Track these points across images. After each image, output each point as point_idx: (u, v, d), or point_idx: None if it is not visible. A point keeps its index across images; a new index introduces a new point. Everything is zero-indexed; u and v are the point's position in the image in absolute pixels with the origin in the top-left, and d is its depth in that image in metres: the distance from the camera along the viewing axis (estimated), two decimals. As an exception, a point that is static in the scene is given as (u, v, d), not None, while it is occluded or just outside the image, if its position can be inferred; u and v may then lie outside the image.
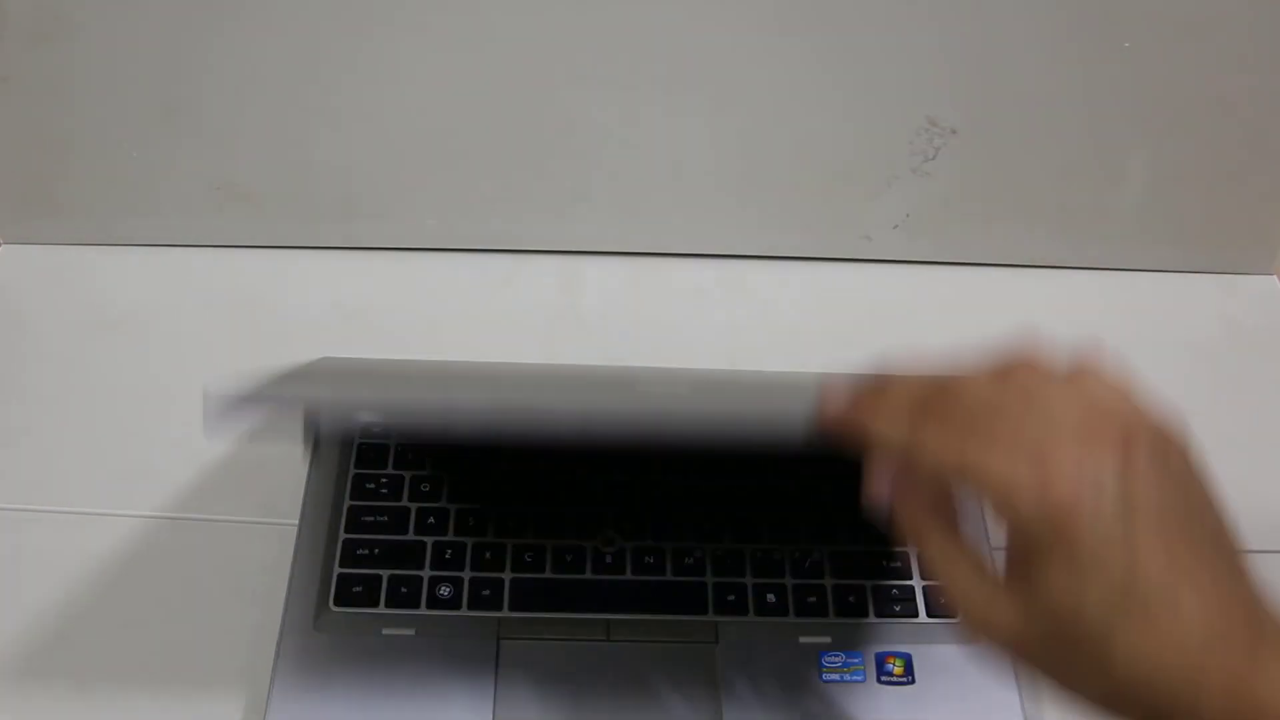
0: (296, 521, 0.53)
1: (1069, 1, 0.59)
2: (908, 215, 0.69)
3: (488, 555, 0.50)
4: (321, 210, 0.69)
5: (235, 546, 0.55)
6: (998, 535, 0.33)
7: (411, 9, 0.59)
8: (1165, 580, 0.29)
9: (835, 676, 0.48)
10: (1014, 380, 0.33)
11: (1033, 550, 0.30)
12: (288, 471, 0.58)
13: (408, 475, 0.53)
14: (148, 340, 0.65)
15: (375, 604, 0.49)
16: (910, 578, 0.51)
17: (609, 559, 0.51)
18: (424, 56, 0.61)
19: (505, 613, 0.49)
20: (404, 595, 0.49)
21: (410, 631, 0.48)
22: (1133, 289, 0.71)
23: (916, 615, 0.50)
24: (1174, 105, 0.63)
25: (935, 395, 0.34)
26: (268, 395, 0.40)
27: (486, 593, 0.49)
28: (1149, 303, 0.70)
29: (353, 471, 0.54)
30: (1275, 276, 0.72)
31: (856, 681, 0.48)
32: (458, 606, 0.49)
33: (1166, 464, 0.31)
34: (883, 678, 0.48)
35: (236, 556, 0.54)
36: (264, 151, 0.66)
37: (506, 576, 0.50)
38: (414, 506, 0.52)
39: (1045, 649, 0.30)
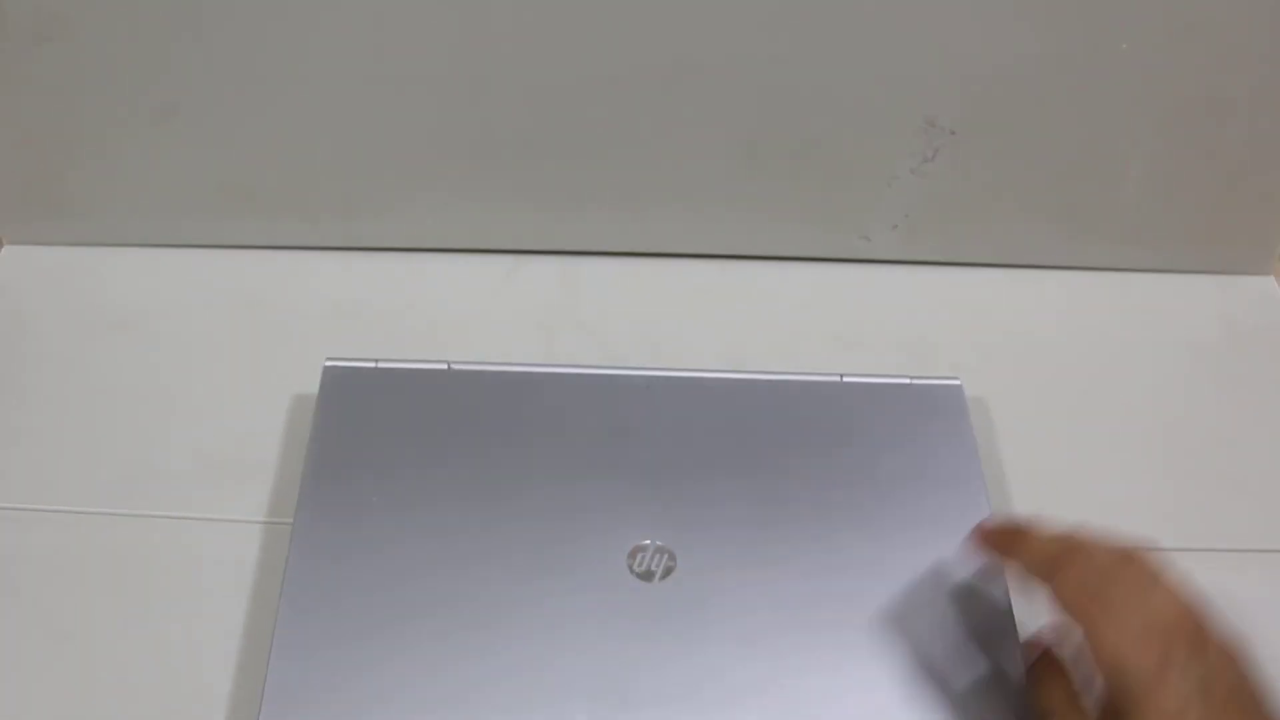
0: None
1: (1068, 2, 0.59)
2: (907, 215, 0.69)
3: None
4: (321, 210, 0.70)
5: (235, 546, 0.55)
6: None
7: (412, 9, 0.59)
8: None
9: None
10: (1133, 565, 0.43)
11: (1125, 702, 0.40)
12: (288, 471, 0.58)
13: None
14: (149, 340, 0.65)
15: None
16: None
17: None
18: (424, 56, 0.61)
19: None
20: None
21: None
22: (1132, 289, 0.71)
23: None
24: (1173, 105, 0.63)
25: (1070, 551, 0.44)
26: None
27: None
28: (1149, 303, 0.70)
29: None
30: (1274, 277, 0.72)
31: None
32: None
33: (1230, 662, 0.41)
34: None
35: (236, 556, 0.54)
36: (264, 151, 0.66)
37: None
38: None
39: None
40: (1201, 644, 0.41)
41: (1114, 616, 0.42)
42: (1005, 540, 0.47)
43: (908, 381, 0.58)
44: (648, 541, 0.51)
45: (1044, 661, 0.47)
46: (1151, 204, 0.68)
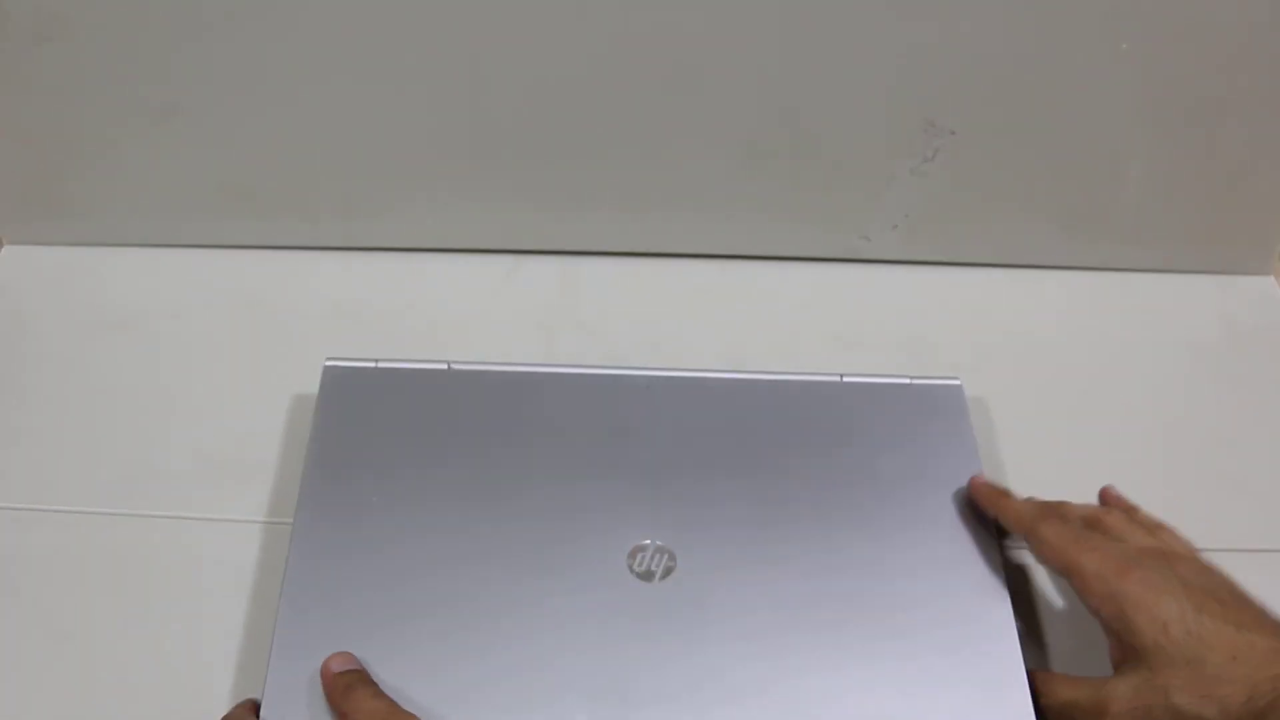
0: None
1: (1068, 2, 0.59)
2: (907, 215, 0.69)
3: None
4: (321, 210, 0.70)
5: (235, 546, 0.55)
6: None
7: (412, 9, 0.59)
8: (1222, 620, 0.44)
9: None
10: (1110, 515, 0.50)
11: (1123, 613, 0.45)
12: (288, 471, 0.58)
13: None
14: (149, 341, 0.65)
15: None
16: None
17: None
18: (424, 57, 0.61)
19: None
20: None
21: None
22: (1132, 289, 0.71)
23: None
24: (1173, 105, 0.63)
25: (1049, 508, 0.51)
26: None
27: None
28: (1149, 303, 0.70)
29: None
30: (1274, 277, 0.72)
31: None
32: None
33: (1205, 566, 0.47)
34: None
35: (236, 556, 0.54)
36: (264, 151, 0.66)
37: None
38: None
39: (1161, 686, 0.43)
40: (1177, 558, 0.46)
41: (1096, 552, 0.46)
42: (992, 496, 0.52)
43: (908, 381, 0.58)
44: (648, 541, 0.51)
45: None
46: (1151, 204, 0.68)
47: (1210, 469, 0.61)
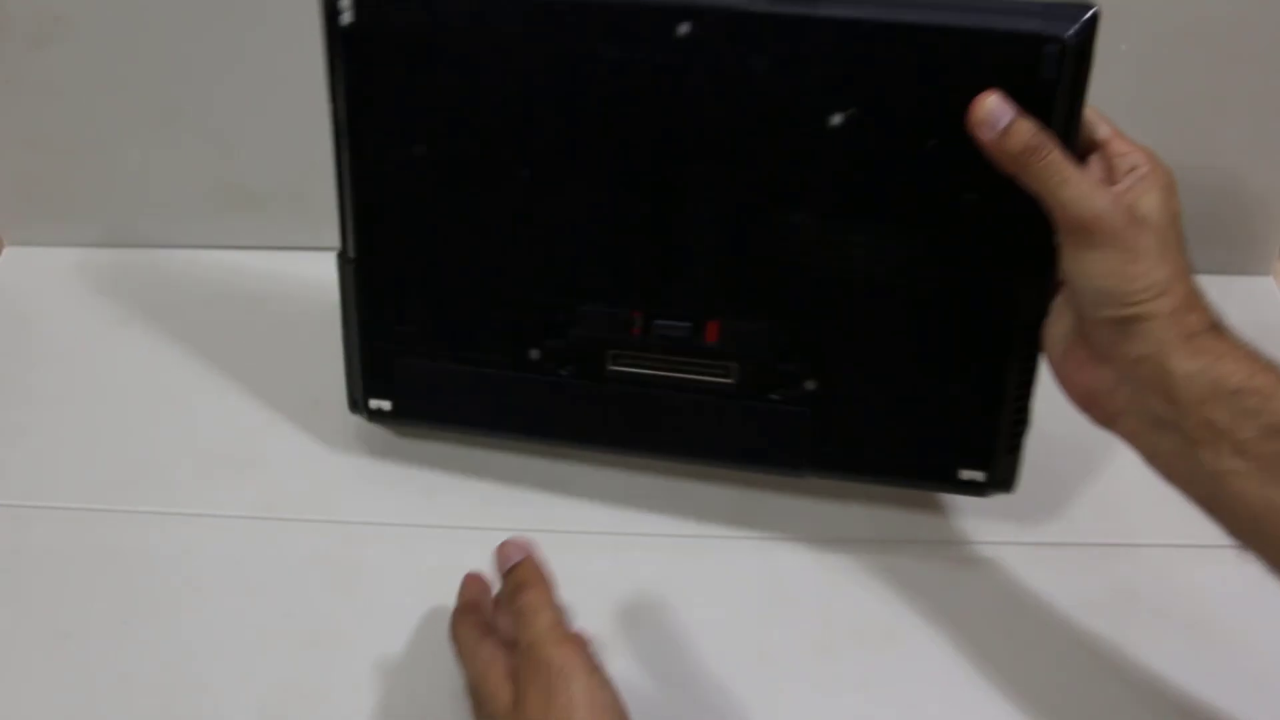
0: (296, 520, 0.54)
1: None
2: (907, 215, 0.69)
3: None
4: (321, 210, 0.69)
5: (235, 545, 0.55)
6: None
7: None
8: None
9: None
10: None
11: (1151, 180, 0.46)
12: (288, 471, 0.58)
13: None
14: (149, 341, 0.65)
15: None
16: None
17: None
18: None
19: None
20: None
21: None
22: (1132, 289, 0.71)
23: None
24: (1173, 105, 0.63)
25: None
26: None
27: None
28: (1149, 303, 0.70)
29: None
30: (1273, 277, 0.71)
31: None
32: None
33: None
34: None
35: (236, 555, 0.54)
36: (264, 152, 0.66)
37: None
38: None
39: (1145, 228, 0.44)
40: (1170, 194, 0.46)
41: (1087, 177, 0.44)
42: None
43: None
44: None
45: None
46: (1151, 204, 0.68)
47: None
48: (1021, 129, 0.43)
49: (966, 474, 0.50)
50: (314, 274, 0.69)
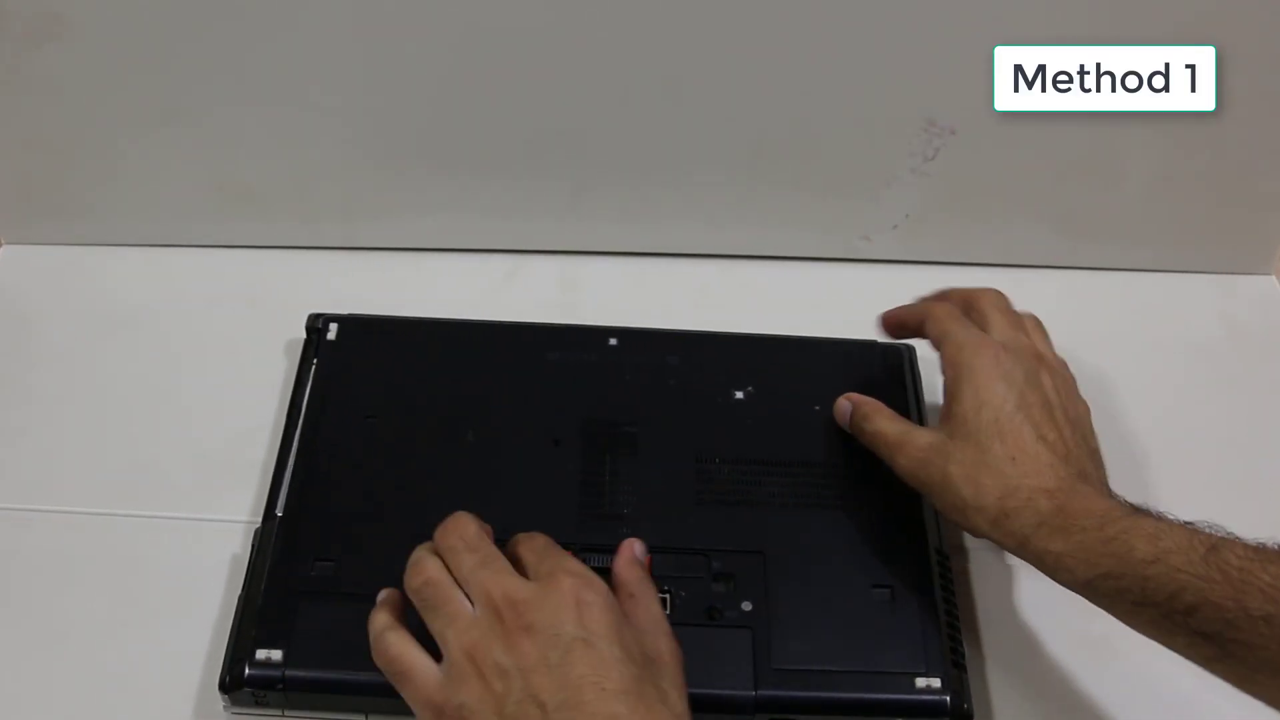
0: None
1: (1068, 2, 0.59)
2: (907, 215, 0.69)
3: None
4: (321, 210, 0.70)
5: (234, 547, 0.55)
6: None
7: (412, 9, 0.59)
8: (1030, 425, 0.47)
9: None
10: (984, 300, 0.54)
11: (958, 380, 0.49)
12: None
13: None
14: (149, 341, 0.65)
15: None
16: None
17: None
18: (425, 57, 0.61)
19: None
20: None
21: None
22: (1133, 289, 0.71)
23: None
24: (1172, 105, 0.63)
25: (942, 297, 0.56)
26: None
27: None
28: (1149, 303, 0.70)
29: None
30: (1274, 276, 0.72)
31: None
32: None
33: (1064, 383, 0.52)
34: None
35: (235, 557, 0.54)
36: (264, 151, 0.66)
37: None
38: None
39: (947, 453, 0.47)
40: (1036, 365, 0.50)
41: (971, 330, 0.51)
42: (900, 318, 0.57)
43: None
44: None
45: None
46: (1151, 204, 0.68)
47: (1210, 469, 0.61)
48: (855, 414, 0.54)
49: (921, 681, 0.48)
50: (314, 274, 0.70)
